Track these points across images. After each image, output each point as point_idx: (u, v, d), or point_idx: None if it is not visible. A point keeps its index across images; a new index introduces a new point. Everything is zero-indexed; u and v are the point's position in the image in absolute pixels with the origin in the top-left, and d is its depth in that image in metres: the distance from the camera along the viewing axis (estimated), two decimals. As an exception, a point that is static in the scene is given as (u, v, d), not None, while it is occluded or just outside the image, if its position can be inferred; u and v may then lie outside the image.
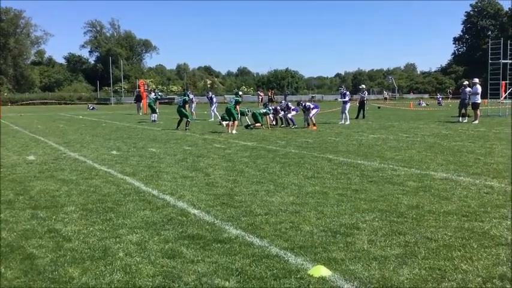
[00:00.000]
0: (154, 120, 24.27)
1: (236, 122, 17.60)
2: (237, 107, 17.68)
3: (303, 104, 20.25)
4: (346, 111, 21.74)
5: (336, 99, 23.18)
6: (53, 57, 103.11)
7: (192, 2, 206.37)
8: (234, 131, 16.94)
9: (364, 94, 25.81)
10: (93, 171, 8.84)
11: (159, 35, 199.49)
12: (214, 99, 27.35)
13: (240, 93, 19.08)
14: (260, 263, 4.08)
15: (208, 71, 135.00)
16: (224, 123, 18.75)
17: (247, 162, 9.82)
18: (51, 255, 4.36)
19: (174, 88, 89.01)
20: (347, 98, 22.04)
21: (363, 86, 27.39)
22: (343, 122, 21.51)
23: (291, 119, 19.79)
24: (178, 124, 19.16)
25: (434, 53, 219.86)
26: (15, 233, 5.03)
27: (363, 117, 24.81)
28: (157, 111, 25.70)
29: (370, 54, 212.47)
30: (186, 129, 18.26)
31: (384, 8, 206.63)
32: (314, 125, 19.22)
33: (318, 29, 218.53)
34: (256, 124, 19.23)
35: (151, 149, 12.28)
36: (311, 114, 19.40)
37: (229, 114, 17.45)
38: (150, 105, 25.71)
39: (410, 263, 4.05)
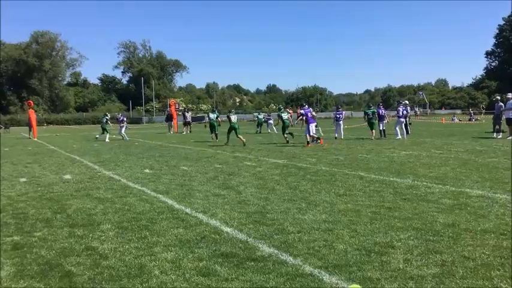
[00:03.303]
0: (96, 138, 26.83)
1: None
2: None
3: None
4: (398, 127, 21.86)
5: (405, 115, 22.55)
6: (87, 79, 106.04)
7: (220, 22, 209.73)
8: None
9: (407, 110, 25.32)
10: (127, 190, 9.00)
11: (189, 54, 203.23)
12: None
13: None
14: (294, 282, 4.07)
15: (237, 89, 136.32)
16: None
17: (278, 179, 9.82)
18: (88, 273, 4.45)
19: (204, 107, 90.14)
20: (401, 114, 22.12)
21: (406, 101, 26.90)
22: (400, 137, 21.43)
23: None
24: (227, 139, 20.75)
25: (467, 68, 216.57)
26: (53, 251, 5.16)
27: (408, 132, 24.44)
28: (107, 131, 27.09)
29: (400, 70, 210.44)
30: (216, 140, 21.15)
31: (412, 25, 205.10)
32: (309, 142, 18.52)
33: (348, 45, 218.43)
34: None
35: (183, 167, 12.43)
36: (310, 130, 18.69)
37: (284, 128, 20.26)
38: (102, 127, 27.26)
39: (448, 282, 3.97)
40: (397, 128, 21.86)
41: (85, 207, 7.47)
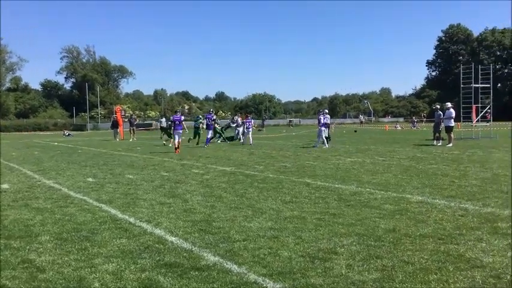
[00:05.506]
0: None
1: None
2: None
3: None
4: (321, 135, 22.29)
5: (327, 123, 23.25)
6: (29, 84, 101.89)
7: (167, 27, 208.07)
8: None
9: (328, 119, 26.00)
10: (68, 199, 8.69)
11: (136, 60, 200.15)
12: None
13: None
14: (238, 291, 4.05)
15: (186, 96, 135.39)
16: None
17: (226, 187, 9.79)
18: (24, 287, 4.25)
19: (152, 113, 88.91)
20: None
21: (326, 110, 28.29)
22: (319, 145, 21.80)
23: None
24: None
25: (409, 77, 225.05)
26: (-14, 265, 4.90)
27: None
28: None
29: (347, 78, 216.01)
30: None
31: (359, 33, 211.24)
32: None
33: (296, 54, 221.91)
34: None
35: (128, 175, 12.15)
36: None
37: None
38: None
39: (388, 287, 4.07)
40: (320, 137, 22.19)
41: (22, 217, 7.14)
